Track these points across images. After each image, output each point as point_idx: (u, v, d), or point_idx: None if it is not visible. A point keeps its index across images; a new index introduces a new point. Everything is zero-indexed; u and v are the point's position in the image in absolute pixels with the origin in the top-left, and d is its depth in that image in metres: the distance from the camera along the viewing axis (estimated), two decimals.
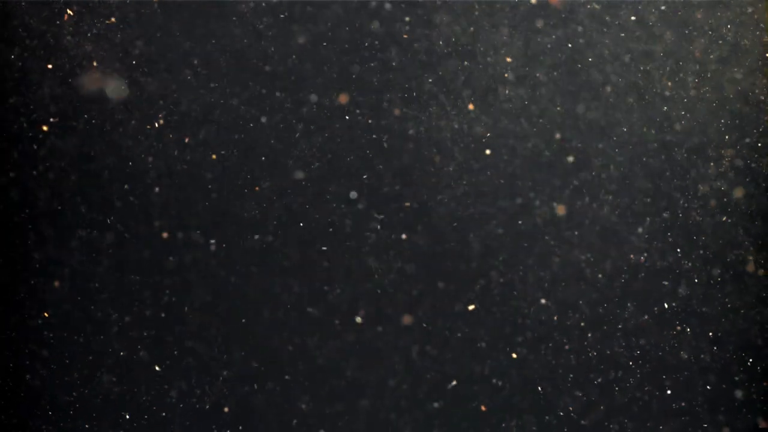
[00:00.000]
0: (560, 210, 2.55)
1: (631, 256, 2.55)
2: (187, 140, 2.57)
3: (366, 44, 2.58)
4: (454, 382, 2.56)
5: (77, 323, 2.57)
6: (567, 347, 2.55)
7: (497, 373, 2.55)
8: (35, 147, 2.56)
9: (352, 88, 2.57)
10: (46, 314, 2.55)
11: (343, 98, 2.53)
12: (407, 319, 2.56)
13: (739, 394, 2.54)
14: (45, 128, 2.55)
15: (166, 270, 2.57)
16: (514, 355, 2.55)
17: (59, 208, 2.56)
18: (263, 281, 2.57)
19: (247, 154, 2.58)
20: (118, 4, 2.57)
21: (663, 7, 2.55)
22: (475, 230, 2.56)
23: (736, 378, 2.54)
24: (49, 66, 2.55)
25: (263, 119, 2.57)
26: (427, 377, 2.56)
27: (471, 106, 2.56)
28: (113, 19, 2.57)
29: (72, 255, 2.56)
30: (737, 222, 2.54)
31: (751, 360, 2.54)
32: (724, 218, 2.54)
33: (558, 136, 2.56)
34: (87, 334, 2.56)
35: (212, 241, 2.57)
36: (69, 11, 2.56)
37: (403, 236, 2.56)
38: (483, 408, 2.55)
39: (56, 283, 2.56)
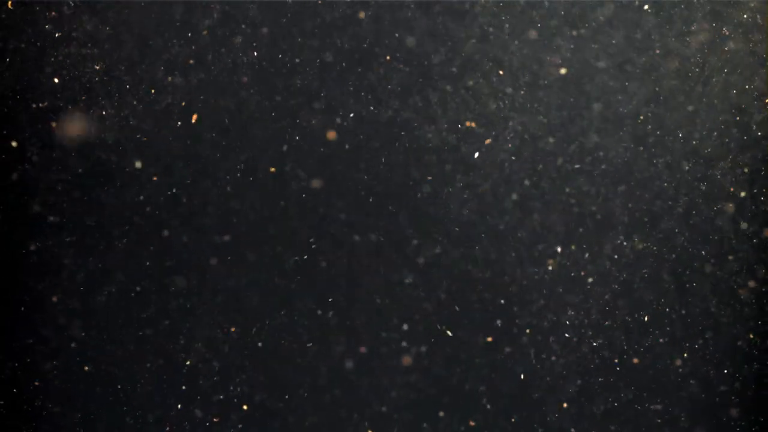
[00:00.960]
0: (559, 213, 2.57)
1: (625, 260, 2.57)
2: (189, 142, 2.56)
3: (372, 49, 2.57)
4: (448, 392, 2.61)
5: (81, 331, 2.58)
6: (555, 356, 2.59)
7: (487, 382, 2.59)
8: (41, 147, 2.55)
9: (358, 94, 2.57)
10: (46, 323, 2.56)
11: (331, 135, 2.53)
12: (406, 361, 2.58)
13: (725, 403, 2.57)
14: (53, 125, 2.53)
15: (172, 274, 2.58)
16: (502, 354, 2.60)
17: (58, 211, 2.56)
18: (265, 286, 2.59)
19: (254, 161, 2.57)
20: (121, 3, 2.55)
21: (667, 9, 2.53)
22: (479, 237, 2.58)
23: (727, 388, 2.57)
24: (53, 65, 2.53)
25: (268, 124, 2.57)
26: (424, 384, 2.60)
27: (470, 123, 2.55)
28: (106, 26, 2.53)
29: (71, 258, 2.56)
30: (736, 229, 2.55)
31: (740, 369, 2.57)
32: (723, 225, 2.56)
33: (554, 139, 2.56)
34: (87, 341, 2.58)
35: (218, 244, 2.57)
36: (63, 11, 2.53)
37: (414, 241, 2.58)
38: (471, 423, 2.60)
39: (54, 299, 2.55)
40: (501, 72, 2.55)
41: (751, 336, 2.55)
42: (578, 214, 2.57)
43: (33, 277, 2.53)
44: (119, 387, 2.58)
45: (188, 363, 2.57)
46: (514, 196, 2.56)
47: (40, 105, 2.51)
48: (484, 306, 2.58)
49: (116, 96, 2.53)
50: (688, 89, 2.54)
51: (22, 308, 2.54)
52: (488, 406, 2.58)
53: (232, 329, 2.57)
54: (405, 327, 2.58)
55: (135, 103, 2.53)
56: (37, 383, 2.56)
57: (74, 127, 2.51)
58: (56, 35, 2.52)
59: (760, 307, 2.55)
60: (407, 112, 2.56)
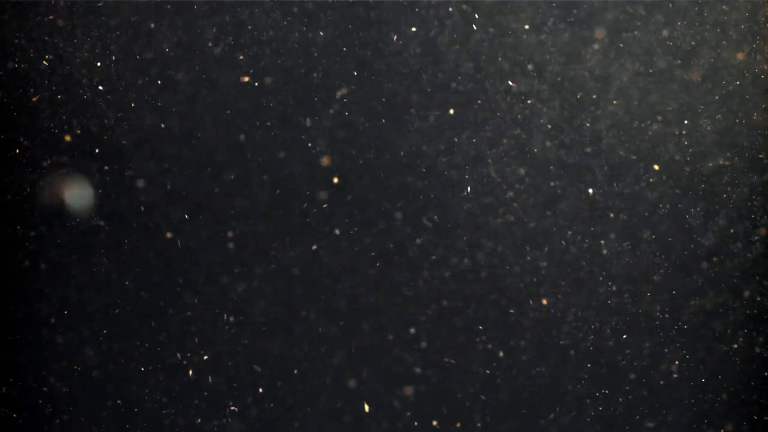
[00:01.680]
0: (562, 217, 2.56)
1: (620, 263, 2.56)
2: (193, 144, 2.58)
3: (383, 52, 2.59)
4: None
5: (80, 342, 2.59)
6: (553, 362, 2.57)
7: (481, 386, 2.57)
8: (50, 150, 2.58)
9: (368, 97, 2.58)
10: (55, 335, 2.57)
11: (326, 160, 2.55)
12: (408, 391, 2.57)
13: (718, 410, 2.54)
14: (68, 138, 2.57)
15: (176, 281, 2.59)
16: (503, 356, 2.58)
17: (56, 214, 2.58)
18: (266, 289, 2.59)
19: (256, 164, 2.58)
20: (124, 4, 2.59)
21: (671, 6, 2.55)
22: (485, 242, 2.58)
23: (719, 395, 2.54)
24: (53, 65, 2.56)
25: (276, 132, 2.58)
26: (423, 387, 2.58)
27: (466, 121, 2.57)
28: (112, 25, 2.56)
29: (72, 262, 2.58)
30: (732, 231, 2.55)
31: (734, 375, 2.54)
32: (723, 233, 2.55)
33: (552, 139, 2.57)
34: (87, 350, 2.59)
35: (225, 246, 2.58)
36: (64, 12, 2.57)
37: (418, 241, 2.59)
38: (457, 425, 2.57)
39: (50, 317, 2.58)
40: (500, 71, 2.57)
41: (740, 343, 2.53)
42: (578, 215, 2.56)
43: (35, 282, 2.56)
44: (119, 393, 2.58)
45: (190, 371, 2.57)
46: (510, 194, 2.57)
47: (40, 105, 2.55)
48: (483, 310, 2.57)
49: (117, 96, 2.57)
50: (687, 87, 2.55)
51: (24, 313, 2.56)
52: (484, 413, 2.56)
53: (237, 334, 2.58)
54: (412, 330, 2.57)
55: (137, 103, 2.57)
56: (44, 389, 2.56)
57: (75, 130, 2.55)
58: (56, 35, 2.56)
59: (757, 312, 2.53)
60: (408, 113, 2.58)
